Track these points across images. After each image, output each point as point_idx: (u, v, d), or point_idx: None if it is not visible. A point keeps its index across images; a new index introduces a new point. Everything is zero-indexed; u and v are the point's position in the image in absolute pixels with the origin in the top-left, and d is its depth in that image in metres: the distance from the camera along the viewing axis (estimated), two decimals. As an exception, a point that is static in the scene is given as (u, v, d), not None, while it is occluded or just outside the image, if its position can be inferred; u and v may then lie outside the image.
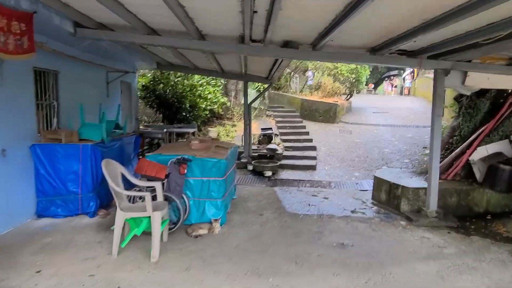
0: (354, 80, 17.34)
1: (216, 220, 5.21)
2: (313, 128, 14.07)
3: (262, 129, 12.14)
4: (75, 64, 6.75)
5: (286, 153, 11.38)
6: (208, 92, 12.22)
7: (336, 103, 15.10)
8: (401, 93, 32.47)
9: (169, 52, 7.20)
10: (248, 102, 10.54)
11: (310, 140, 12.44)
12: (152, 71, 11.62)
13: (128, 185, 4.75)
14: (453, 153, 7.19)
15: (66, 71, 6.50)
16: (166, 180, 5.06)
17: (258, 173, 9.96)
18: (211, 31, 5.51)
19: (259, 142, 11.97)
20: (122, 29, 5.47)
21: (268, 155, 10.69)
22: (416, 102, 20.60)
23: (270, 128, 12.14)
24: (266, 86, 10.87)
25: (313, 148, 11.83)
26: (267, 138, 11.95)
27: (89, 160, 5.52)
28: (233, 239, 5.07)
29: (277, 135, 12.16)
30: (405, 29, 4.57)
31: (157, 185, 4.69)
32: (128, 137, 7.13)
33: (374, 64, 6.06)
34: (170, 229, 4.95)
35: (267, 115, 14.81)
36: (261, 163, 10.27)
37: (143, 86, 10.87)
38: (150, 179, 5.02)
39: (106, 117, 6.76)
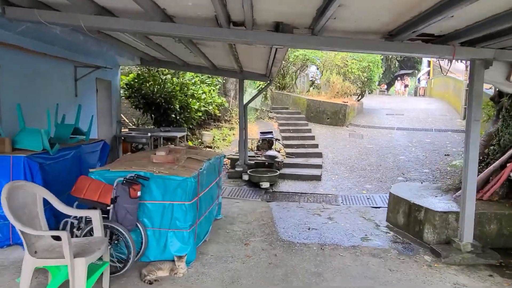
0: (366, 79, 15.92)
1: (180, 258, 3.93)
2: (320, 132, 12.71)
3: (261, 133, 10.85)
4: (26, 56, 5.57)
5: (287, 160, 10.06)
6: (202, 91, 11.00)
7: (345, 104, 13.73)
8: (415, 94, 30.80)
9: (139, 41, 5.97)
10: (244, 103, 9.26)
11: (316, 146, 11.10)
12: (139, 68, 10.44)
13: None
14: (491, 167, 5.78)
15: (10, 65, 5.32)
16: (112, 205, 3.81)
17: (254, 184, 8.67)
18: (180, 11, 4.25)
19: (258, 148, 10.68)
20: (66, 8, 4.26)
21: (266, 163, 9.39)
22: (433, 103, 19.03)
23: (271, 132, 10.84)
24: (266, 84, 9.58)
25: (319, 155, 10.49)
26: (267, 143, 10.66)
27: (22, 175, 4.31)
28: (201, 286, 3.79)
29: (278, 140, 10.85)
30: (432, 2, 3.26)
31: (93, 215, 3.44)
32: (90, 144, 5.91)
33: (391, 53, 4.72)
34: (113, 273, 3.69)
35: (269, 117, 13.52)
36: (258, 172, 8.98)
37: (126, 84, 9.71)
38: (91, 204, 3.78)
39: (77, 120, 5.58)
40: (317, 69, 15.88)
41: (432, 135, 12.49)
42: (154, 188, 4.06)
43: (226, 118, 12.89)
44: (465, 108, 13.98)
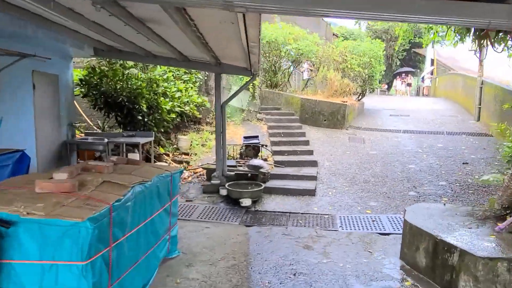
0: (367, 77, 14.31)
1: None
2: (315, 136, 11.09)
3: (245, 137, 9.23)
4: None
5: (276, 170, 8.44)
6: (176, 89, 9.37)
7: (345, 103, 12.12)
8: (417, 93, 29.16)
9: (75, 21, 4.35)
10: (222, 102, 7.66)
11: (310, 152, 9.47)
12: (98, 60, 8.81)
13: None
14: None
15: None
16: None
17: (233, 201, 7.06)
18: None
19: (241, 156, 9.06)
20: None
21: (249, 175, 7.78)
22: (440, 103, 17.45)
23: (256, 137, 9.21)
24: (255, 81, 7.97)
25: (314, 164, 8.86)
26: (252, 150, 9.03)
27: None
28: None
29: (266, 146, 9.22)
30: None
31: None
32: (-5, 157, 4.28)
33: (409, 16, 3.00)
34: None
35: (257, 119, 11.91)
36: (239, 186, 7.38)
37: (81, 80, 8.08)
38: None
39: None
40: (313, 65, 14.25)
41: (444, 139, 10.88)
42: (26, 239, 2.44)
43: (208, 120, 11.27)
44: (479, 107, 12.41)
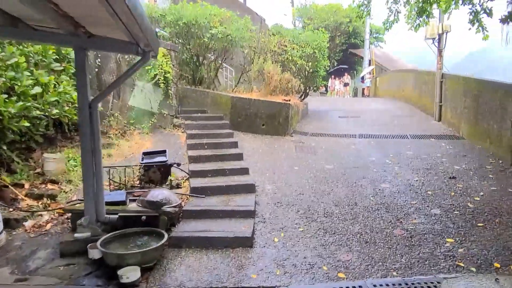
0: (311, 71, 11.92)
1: None
2: (251, 146, 8.29)
3: (144, 154, 6.11)
4: None
5: (192, 204, 5.45)
6: (33, 81, 5.99)
7: (287, 103, 9.51)
8: (355, 94, 28.00)
9: None
10: (89, 99, 4.47)
11: (245, 171, 6.61)
12: None
13: None
14: None
15: None
16: None
17: (110, 270, 3.95)
18: None
19: (141, 182, 5.92)
20: None
21: (143, 218, 4.69)
22: (388, 103, 15.75)
23: (163, 152, 6.13)
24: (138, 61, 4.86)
25: (250, 189, 6.00)
26: (158, 172, 5.92)
27: None
28: None
29: (179, 165, 6.15)
30: None
31: None
32: None
33: None
34: None
35: (174, 126, 8.80)
36: (123, 241, 4.31)
37: None
38: None
39: None
40: (245, 55, 11.47)
41: (412, 144, 8.70)
42: None
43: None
44: (440, 105, 10.55)
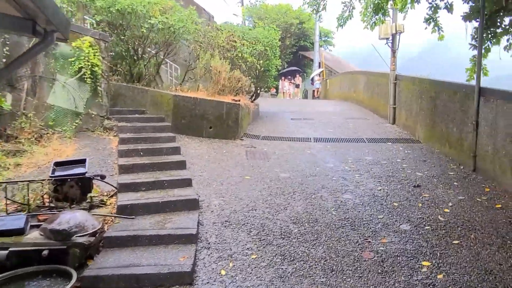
0: (262, 70, 11.12)
1: None
2: (197, 152, 7.27)
3: (56, 164, 4.84)
4: None
5: (119, 227, 4.33)
6: None
7: (237, 103, 8.60)
8: (305, 96, 27.86)
9: None
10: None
11: (187, 183, 5.58)
12: None
13: None
14: None
15: None
16: None
17: None
18: None
19: (52, 201, 4.66)
20: None
21: (44, 254, 3.50)
22: (340, 105, 15.47)
23: (82, 162, 4.92)
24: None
25: (192, 205, 4.99)
26: (76, 187, 4.70)
27: None
28: None
29: (104, 178, 4.97)
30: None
31: None
32: None
33: None
34: None
35: (105, 128, 7.50)
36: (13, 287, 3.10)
37: None
38: None
39: None
40: (191, 50, 10.37)
41: (369, 148, 8.18)
42: None
43: (8, 132, 6.46)
44: (394, 108, 10.25)
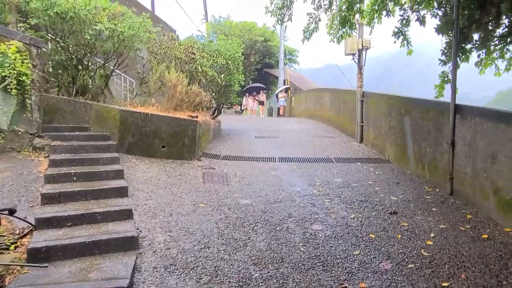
0: (223, 84, 10.38)
1: None
2: (144, 176, 6.30)
3: None
4: None
5: (26, 280, 3.27)
6: None
7: (194, 120, 7.74)
8: (270, 114, 27.37)
9: None
10: None
11: (126, 215, 4.60)
12: None
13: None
14: None
15: None
16: None
17: None
18: None
19: None
20: None
21: None
22: (306, 123, 14.99)
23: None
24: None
25: (129, 245, 4.02)
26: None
27: None
28: None
29: (12, 213, 3.92)
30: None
31: None
32: None
33: None
34: None
35: (35, 148, 6.37)
36: None
37: None
38: None
39: None
40: (145, 61, 9.45)
41: (338, 169, 7.55)
42: None
43: None
44: (361, 126, 9.79)
